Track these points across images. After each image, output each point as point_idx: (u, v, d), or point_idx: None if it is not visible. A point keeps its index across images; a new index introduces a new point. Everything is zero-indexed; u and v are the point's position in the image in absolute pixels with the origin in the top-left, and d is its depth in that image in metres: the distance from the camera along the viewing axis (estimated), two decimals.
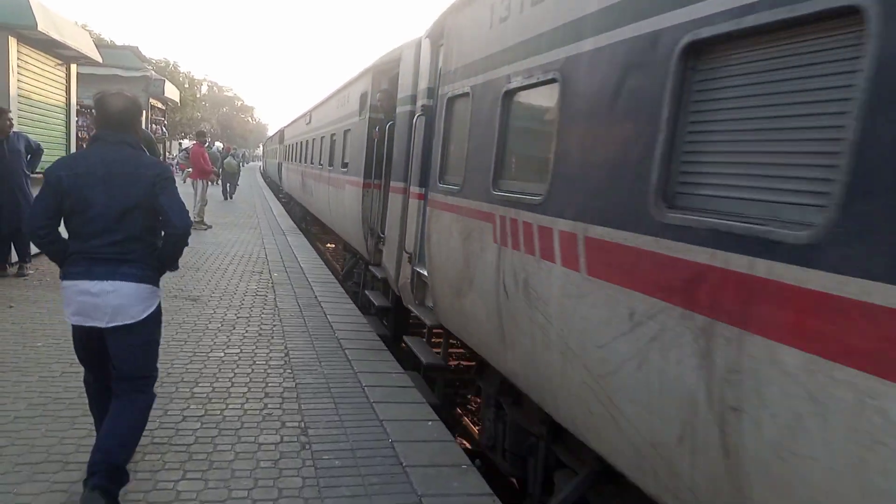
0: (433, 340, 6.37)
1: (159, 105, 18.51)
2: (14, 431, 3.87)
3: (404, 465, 3.86)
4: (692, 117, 2.59)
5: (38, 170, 8.53)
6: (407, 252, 6.46)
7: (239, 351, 5.79)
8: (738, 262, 2.25)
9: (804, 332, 2.01)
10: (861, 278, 1.85)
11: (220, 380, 5.03)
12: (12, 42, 8.35)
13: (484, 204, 4.36)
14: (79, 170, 3.16)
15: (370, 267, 8.59)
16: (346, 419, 4.47)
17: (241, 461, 3.74)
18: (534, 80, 3.79)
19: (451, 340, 5.96)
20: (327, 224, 13.48)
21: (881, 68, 1.81)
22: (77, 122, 11.88)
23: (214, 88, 72.35)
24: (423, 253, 5.88)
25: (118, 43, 34.23)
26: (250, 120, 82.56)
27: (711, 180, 2.52)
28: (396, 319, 7.83)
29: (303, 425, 4.31)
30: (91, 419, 3.72)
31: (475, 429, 6.27)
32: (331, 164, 12.42)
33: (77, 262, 3.14)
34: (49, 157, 9.61)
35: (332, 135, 12.58)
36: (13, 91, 8.39)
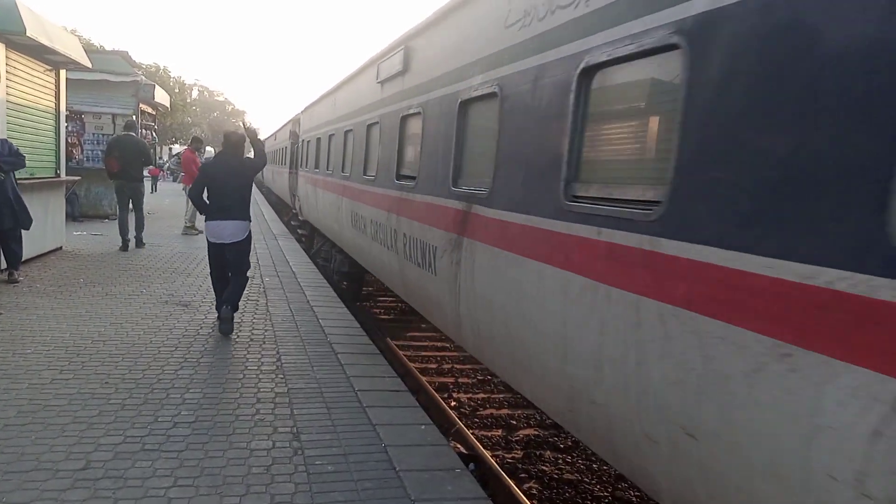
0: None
1: (149, 110, 18.40)
2: (4, 439, 3.84)
3: (398, 469, 3.84)
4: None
5: (28, 174, 8.51)
6: (299, 196, 15.54)
7: (230, 356, 5.77)
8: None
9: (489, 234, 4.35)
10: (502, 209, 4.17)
11: (211, 385, 5.00)
12: (0, 48, 8.31)
13: (310, 174, 13.40)
14: (218, 168, 6.58)
15: (293, 211, 17.60)
16: (339, 424, 4.46)
17: (232, 467, 3.72)
18: (320, 137, 12.31)
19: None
20: (278, 194, 24.56)
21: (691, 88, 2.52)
22: (67, 127, 11.83)
23: (205, 93, 72.16)
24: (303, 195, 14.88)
25: (107, 48, 34.10)
26: (241, 124, 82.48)
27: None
28: (303, 228, 16.66)
29: (295, 430, 4.30)
30: (82, 428, 3.81)
31: None
32: (281, 164, 22.31)
33: (214, 211, 6.45)
34: (41, 161, 9.62)
35: (282, 148, 22.33)
36: (2, 97, 8.34)
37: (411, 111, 6.20)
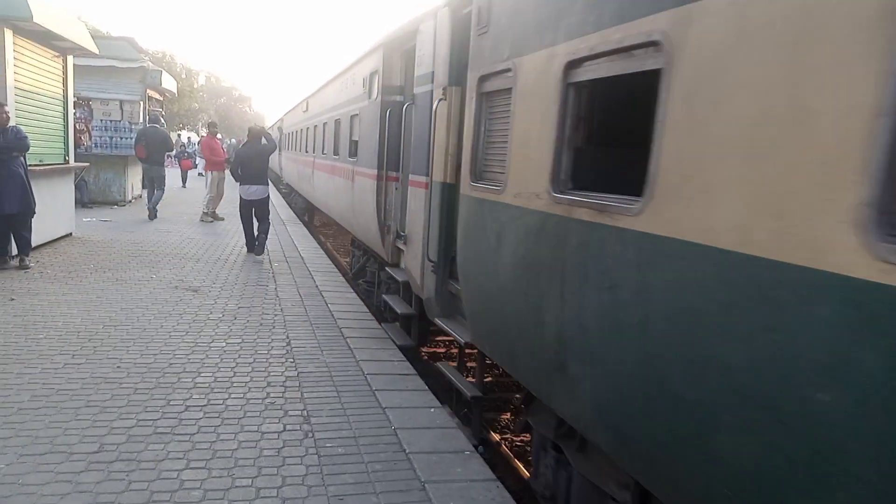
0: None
1: (157, 96, 18.37)
2: (18, 423, 3.88)
3: (407, 451, 3.87)
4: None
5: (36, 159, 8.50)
6: (282, 168, 24.73)
7: (241, 341, 5.80)
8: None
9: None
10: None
11: (222, 370, 5.04)
12: (8, 34, 8.29)
13: (286, 154, 22.69)
14: (248, 151, 10.31)
15: (280, 178, 26.02)
16: (349, 407, 4.49)
17: (244, 450, 3.75)
18: (289, 132, 21.88)
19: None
20: (271, 167, 28.65)
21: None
22: (74, 113, 11.84)
23: (212, 79, 71.93)
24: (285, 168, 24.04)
25: (114, 34, 34.00)
26: (248, 110, 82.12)
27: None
28: (286, 189, 25.00)
29: (305, 414, 4.33)
30: (95, 412, 3.85)
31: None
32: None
33: (246, 179, 10.15)
34: (49, 147, 9.66)
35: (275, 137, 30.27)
36: (10, 83, 8.34)
37: (309, 126, 15.15)
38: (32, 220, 8.23)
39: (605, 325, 2.83)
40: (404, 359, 5.70)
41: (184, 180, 24.36)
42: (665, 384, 2.44)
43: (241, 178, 10.17)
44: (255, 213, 10.29)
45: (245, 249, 10.60)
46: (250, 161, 10.12)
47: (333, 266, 10.10)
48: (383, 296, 7.44)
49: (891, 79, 1.63)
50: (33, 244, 8.49)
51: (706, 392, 2.22)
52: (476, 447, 4.15)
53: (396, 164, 7.10)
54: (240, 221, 10.68)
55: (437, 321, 5.54)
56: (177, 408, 4.27)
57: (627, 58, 2.75)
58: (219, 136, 17.40)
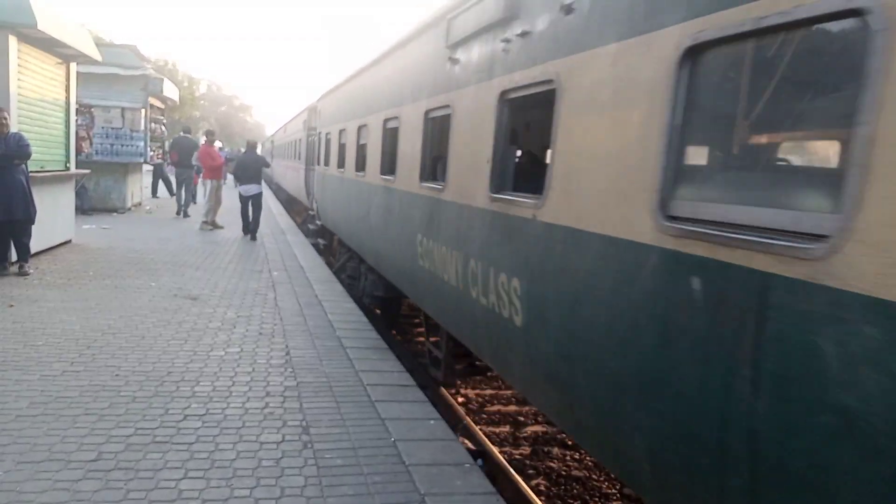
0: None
1: (158, 104, 18.43)
2: (16, 430, 3.86)
3: (407, 463, 3.85)
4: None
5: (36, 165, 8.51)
6: (273, 169, 30.20)
7: (240, 350, 5.79)
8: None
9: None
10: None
11: (221, 379, 5.02)
12: (12, 41, 8.33)
13: (277, 159, 30.53)
14: (247, 158, 13.90)
15: (272, 178, 34.84)
16: (348, 418, 4.47)
17: (243, 460, 3.73)
18: (279, 144, 31.02)
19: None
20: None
21: None
22: (77, 120, 11.87)
23: (214, 87, 72.07)
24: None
25: (116, 42, 34.10)
26: (248, 119, 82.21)
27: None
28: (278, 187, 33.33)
29: (304, 424, 4.31)
30: (93, 419, 3.84)
31: None
32: (269, 155, 34.42)
33: (245, 180, 13.53)
34: (51, 154, 9.68)
35: (270, 146, 39.10)
36: (13, 89, 8.37)
37: (284, 143, 26.86)
38: (32, 226, 8.23)
39: (332, 198, 11.69)
40: (404, 370, 5.69)
41: (194, 195, 23.58)
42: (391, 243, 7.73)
43: (240, 179, 13.50)
44: (251, 205, 13.36)
45: (242, 237, 13.37)
46: (248, 165, 13.54)
47: (333, 276, 10.09)
48: (308, 224, 15.31)
49: None
50: (33, 251, 8.49)
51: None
52: (475, 460, 4.13)
53: (312, 161, 14.83)
54: (240, 231, 13.64)
55: (317, 221, 13.34)
56: (175, 417, 4.25)
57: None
58: (217, 143, 17.48)
